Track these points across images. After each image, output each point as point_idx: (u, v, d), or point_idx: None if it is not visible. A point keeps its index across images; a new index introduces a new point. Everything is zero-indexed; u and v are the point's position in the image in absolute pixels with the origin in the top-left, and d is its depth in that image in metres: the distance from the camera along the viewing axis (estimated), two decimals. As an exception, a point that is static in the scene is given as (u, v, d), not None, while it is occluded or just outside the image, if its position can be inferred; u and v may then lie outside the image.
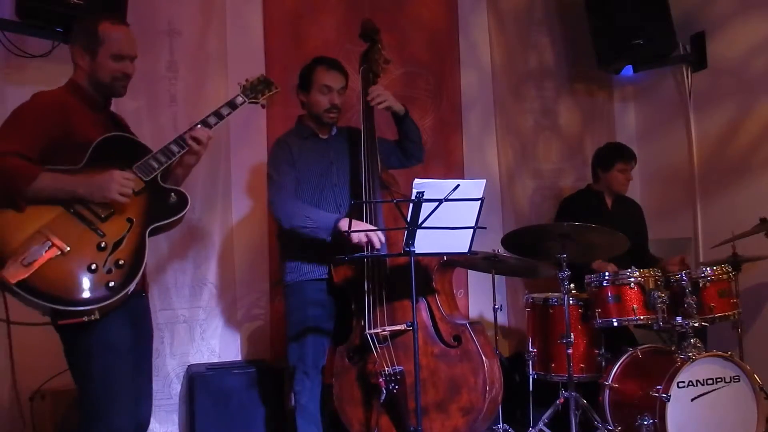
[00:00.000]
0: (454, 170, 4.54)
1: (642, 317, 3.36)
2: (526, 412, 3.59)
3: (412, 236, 2.64)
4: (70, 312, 2.21)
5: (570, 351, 3.29)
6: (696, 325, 3.22)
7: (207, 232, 3.99)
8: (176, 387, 3.85)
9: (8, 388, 3.36)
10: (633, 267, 3.43)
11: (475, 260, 3.54)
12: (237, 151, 4.06)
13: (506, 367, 3.66)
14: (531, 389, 3.60)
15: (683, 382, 3.10)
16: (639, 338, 3.88)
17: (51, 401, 3.37)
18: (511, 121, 4.74)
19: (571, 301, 3.40)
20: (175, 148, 2.50)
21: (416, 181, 2.57)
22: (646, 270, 3.43)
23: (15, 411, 3.24)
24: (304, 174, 3.16)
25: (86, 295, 2.23)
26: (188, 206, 2.49)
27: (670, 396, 3.04)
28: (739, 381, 3.17)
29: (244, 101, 2.73)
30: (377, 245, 2.92)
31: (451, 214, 2.61)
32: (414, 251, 2.65)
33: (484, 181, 2.65)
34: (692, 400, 3.12)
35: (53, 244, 2.21)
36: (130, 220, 2.38)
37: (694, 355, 3.13)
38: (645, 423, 3.07)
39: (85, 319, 2.22)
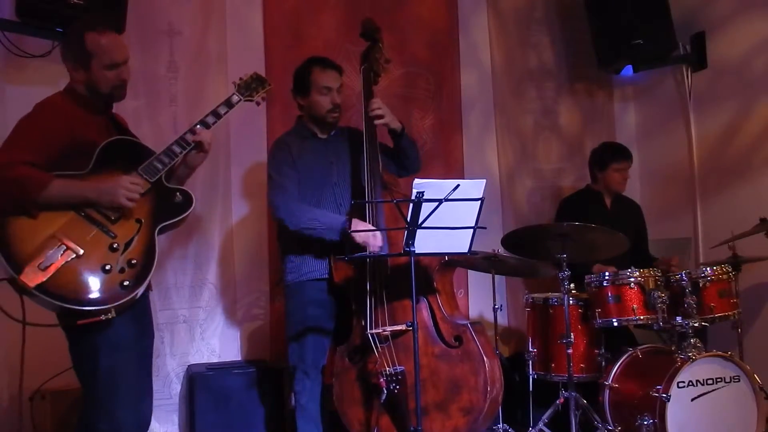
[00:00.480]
0: (454, 170, 4.54)
1: (642, 317, 3.37)
2: (526, 412, 3.59)
3: (412, 236, 2.64)
4: (88, 312, 2.27)
5: (570, 351, 3.29)
6: (696, 325, 3.22)
7: (207, 232, 3.98)
8: (176, 387, 3.85)
9: (8, 388, 3.36)
10: (633, 267, 3.43)
11: (475, 260, 3.53)
12: (237, 151, 4.06)
13: (506, 367, 3.66)
14: (531, 389, 3.60)
15: (683, 382, 3.10)
16: (639, 338, 3.88)
17: (51, 401, 3.36)
18: (511, 121, 4.74)
19: (571, 301, 3.40)
20: (177, 149, 2.55)
21: (416, 181, 2.57)
22: (646, 270, 3.43)
23: (15, 411, 3.24)
24: (304, 174, 3.16)
25: (102, 294, 2.30)
26: (194, 205, 2.55)
27: (670, 396, 3.05)
28: (739, 381, 3.17)
29: (240, 99, 2.78)
30: (375, 249, 2.93)
31: (451, 214, 2.61)
32: (414, 251, 2.65)
33: (484, 181, 2.65)
34: (692, 400, 3.12)
35: (67, 248, 2.28)
36: (139, 221, 2.44)
37: (694, 355, 3.13)
38: (645, 423, 3.07)
39: (103, 317, 2.28)
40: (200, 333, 3.95)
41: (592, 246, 3.40)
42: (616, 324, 3.42)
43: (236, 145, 4.05)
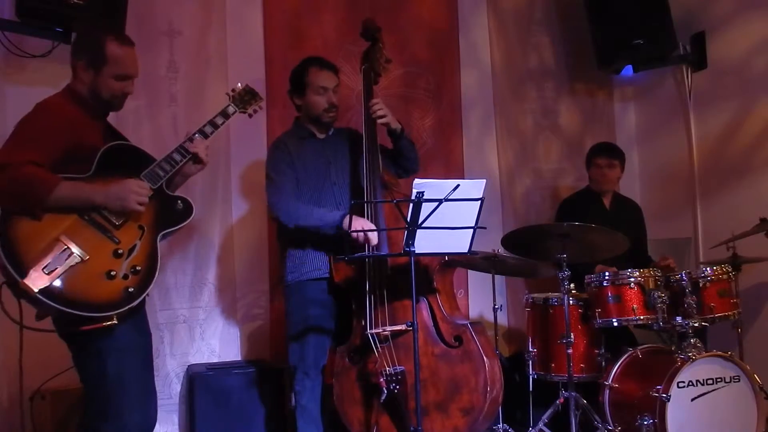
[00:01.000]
0: (454, 170, 4.54)
1: (642, 317, 3.36)
2: (526, 412, 3.59)
3: (412, 236, 2.64)
4: (93, 318, 2.25)
5: (570, 351, 3.29)
6: (696, 325, 3.22)
7: (207, 232, 3.98)
8: (176, 387, 3.85)
9: (8, 388, 3.36)
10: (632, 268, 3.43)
11: (475, 260, 3.54)
12: (237, 151, 4.06)
13: (506, 367, 3.66)
14: (531, 389, 3.60)
15: (683, 382, 3.10)
16: (639, 338, 3.88)
17: (51, 401, 3.36)
18: (511, 121, 4.74)
19: (571, 301, 3.40)
20: (177, 157, 2.56)
21: (416, 181, 2.57)
22: (646, 270, 3.43)
23: (15, 411, 3.24)
24: (302, 174, 3.16)
25: (107, 301, 2.28)
26: (194, 213, 2.56)
27: (670, 396, 3.05)
28: (739, 381, 3.17)
29: (236, 111, 2.83)
30: (374, 242, 2.93)
31: (451, 214, 2.61)
32: (414, 251, 2.65)
33: (484, 181, 2.65)
34: (692, 400, 3.12)
35: (72, 252, 2.25)
36: (141, 228, 2.43)
37: (694, 355, 3.13)
38: (645, 423, 3.07)
39: (105, 324, 2.26)
40: (200, 333, 3.95)
41: (592, 246, 3.40)
42: (616, 324, 3.42)
43: (236, 145, 4.05)
